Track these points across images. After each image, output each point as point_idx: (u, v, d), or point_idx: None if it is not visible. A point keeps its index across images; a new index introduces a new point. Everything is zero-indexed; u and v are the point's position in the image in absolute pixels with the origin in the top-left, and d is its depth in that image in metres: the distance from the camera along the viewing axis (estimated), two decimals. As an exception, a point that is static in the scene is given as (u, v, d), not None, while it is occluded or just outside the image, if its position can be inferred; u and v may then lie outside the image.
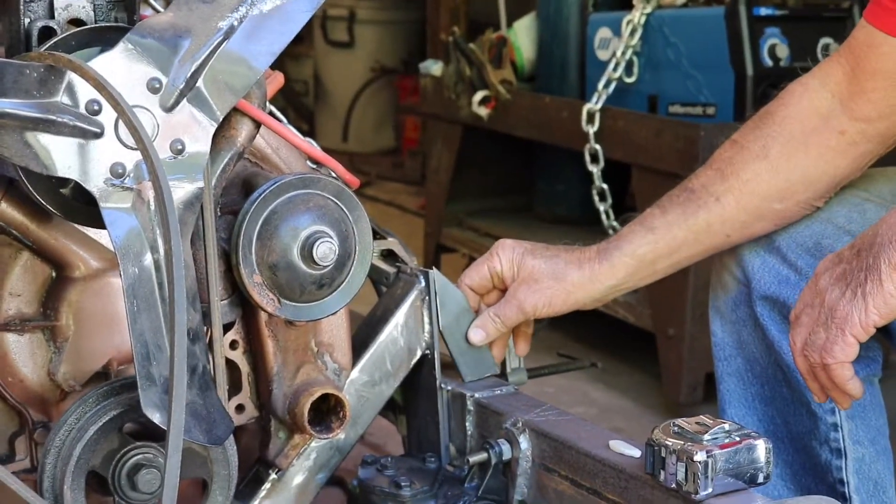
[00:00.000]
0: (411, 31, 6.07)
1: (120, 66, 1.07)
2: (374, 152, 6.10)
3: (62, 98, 1.04)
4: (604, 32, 2.98)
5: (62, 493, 1.12)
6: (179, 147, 1.10)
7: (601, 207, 2.87)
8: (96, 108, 1.05)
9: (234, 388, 1.34)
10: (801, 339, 1.28)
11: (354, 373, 1.40)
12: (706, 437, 1.13)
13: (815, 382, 1.29)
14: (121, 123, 1.06)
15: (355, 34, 6.13)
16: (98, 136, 1.06)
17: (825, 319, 1.25)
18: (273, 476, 1.36)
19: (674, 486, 1.14)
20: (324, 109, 6.31)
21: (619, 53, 2.84)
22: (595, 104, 2.83)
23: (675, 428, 1.16)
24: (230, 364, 1.32)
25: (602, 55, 2.97)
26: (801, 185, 1.46)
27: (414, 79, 3.88)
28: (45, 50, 1.08)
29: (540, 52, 3.27)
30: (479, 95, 3.19)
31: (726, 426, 1.15)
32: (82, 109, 1.05)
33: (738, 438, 1.14)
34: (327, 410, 1.31)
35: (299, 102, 6.56)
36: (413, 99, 4.90)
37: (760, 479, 1.16)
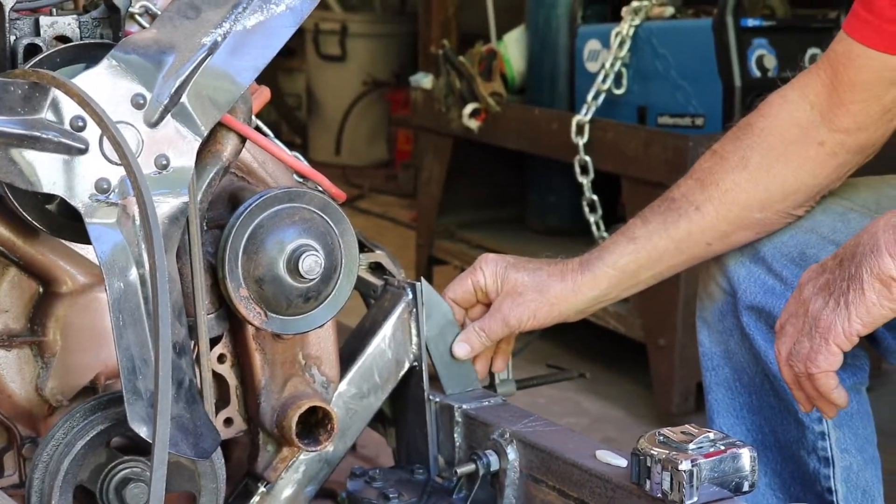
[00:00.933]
0: (403, 44, 6.08)
1: (104, 82, 1.08)
2: (366, 165, 6.11)
3: (47, 114, 1.05)
4: (593, 44, 2.99)
5: (50, 507, 1.13)
6: (164, 162, 1.10)
7: (591, 218, 2.87)
8: (81, 124, 1.06)
9: (223, 401, 1.34)
10: (786, 349, 1.29)
11: (342, 385, 1.40)
12: (691, 446, 1.14)
13: (801, 392, 1.30)
14: (105, 139, 1.06)
15: (347, 48, 6.14)
16: (83, 152, 1.06)
17: (809, 329, 1.26)
18: (262, 489, 1.37)
19: (659, 495, 1.14)
20: (316, 123, 6.32)
21: (608, 65, 2.85)
22: (584, 116, 2.84)
23: (661, 437, 1.16)
24: (218, 378, 1.33)
25: (591, 67, 2.98)
26: (780, 195, 1.46)
27: (406, 92, 3.89)
28: (30, 67, 1.09)
29: (530, 65, 3.28)
30: (469, 108, 3.19)
31: (711, 435, 1.16)
32: (67, 126, 1.06)
33: (722, 447, 1.15)
34: (315, 423, 1.32)
35: (292, 116, 6.57)
36: (405, 112, 4.90)
37: (746, 488, 1.16)
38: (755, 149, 1.46)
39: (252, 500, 1.36)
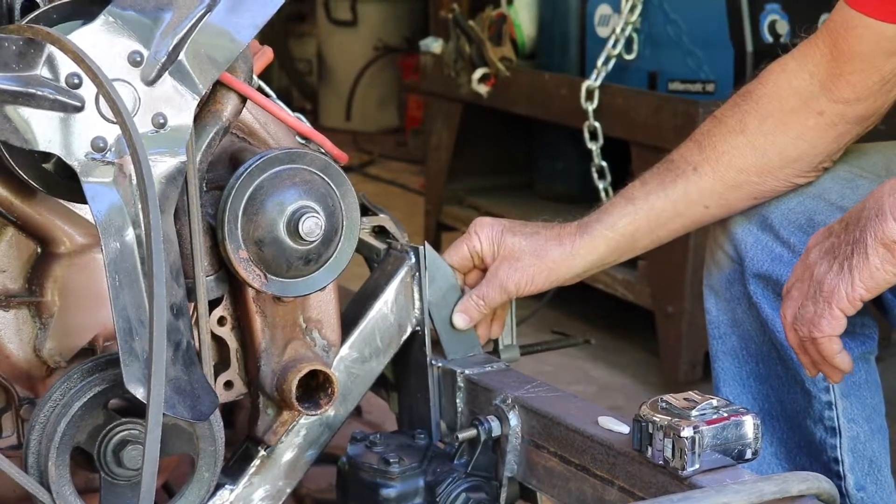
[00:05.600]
0: (414, 8, 6.05)
1: (100, 39, 1.06)
2: (377, 131, 6.09)
3: (42, 71, 1.03)
4: (604, 9, 2.96)
5: (47, 469, 1.12)
6: (161, 121, 1.09)
7: (600, 185, 2.86)
8: (76, 81, 1.04)
9: (223, 364, 1.33)
10: (792, 313, 1.28)
11: (344, 349, 1.39)
12: (693, 412, 1.13)
13: (806, 356, 1.29)
14: (101, 97, 1.05)
15: (358, 13, 6.11)
16: (79, 109, 1.05)
17: (814, 293, 1.25)
18: (262, 453, 1.36)
19: (661, 462, 1.13)
20: (327, 88, 6.30)
21: (618, 30, 2.83)
22: (594, 81, 2.82)
23: (663, 404, 1.15)
24: (218, 340, 1.32)
25: (602, 32, 2.95)
26: (778, 162, 1.45)
27: (417, 57, 3.89)
28: (26, 23, 1.07)
29: (540, 29, 3.26)
30: (478, 73, 3.17)
31: (714, 402, 1.14)
32: (62, 83, 1.04)
33: (725, 414, 1.13)
34: (316, 387, 1.31)
35: (303, 82, 6.55)
36: (417, 78, 4.89)
37: (748, 455, 1.15)
38: (753, 114, 1.46)
39: (252, 464, 1.35)
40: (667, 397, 1.15)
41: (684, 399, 1.15)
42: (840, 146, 1.46)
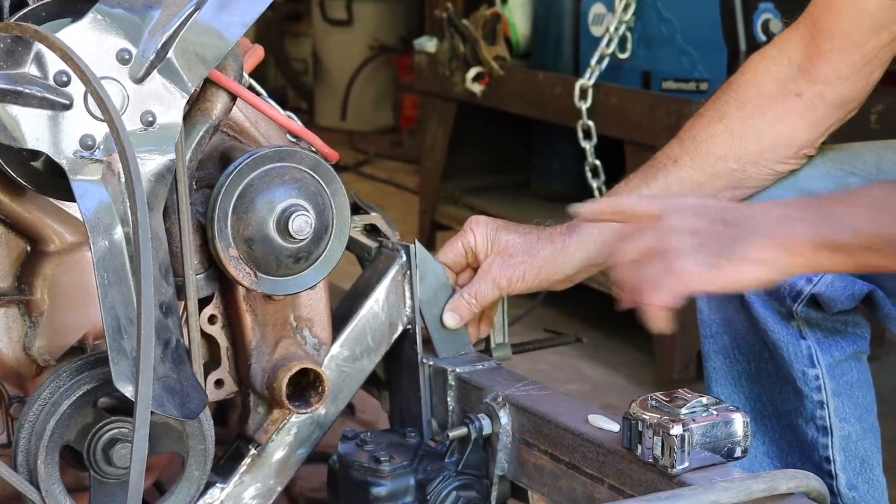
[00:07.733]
0: (410, 8, 6.04)
1: (89, 36, 1.06)
2: (372, 131, 6.08)
3: (30, 69, 1.03)
4: (598, 8, 2.96)
5: (36, 467, 1.12)
6: (150, 119, 1.09)
7: (594, 184, 2.85)
8: (65, 79, 1.04)
9: (213, 362, 1.33)
10: (632, 256, 1.20)
11: (335, 348, 1.39)
12: (683, 411, 1.13)
13: (624, 294, 1.23)
14: (90, 95, 1.05)
15: (354, 12, 6.10)
16: (67, 107, 1.05)
17: (662, 260, 1.17)
18: (253, 451, 1.36)
19: (651, 460, 1.13)
20: (323, 88, 6.29)
21: (612, 29, 2.83)
22: (588, 80, 2.82)
23: (653, 402, 1.15)
24: (209, 339, 1.32)
25: (596, 31, 2.95)
26: (756, 147, 1.45)
27: (413, 57, 3.89)
28: (14, 21, 1.07)
29: (534, 28, 3.25)
30: (472, 72, 3.17)
31: (704, 400, 1.15)
32: (51, 81, 1.04)
33: (715, 413, 1.14)
34: (306, 385, 1.31)
35: (298, 81, 6.54)
36: (412, 77, 4.89)
37: (738, 454, 1.15)
38: (731, 103, 1.46)
39: (243, 462, 1.35)
40: (657, 395, 1.16)
41: (674, 397, 1.15)
42: (821, 132, 1.45)
